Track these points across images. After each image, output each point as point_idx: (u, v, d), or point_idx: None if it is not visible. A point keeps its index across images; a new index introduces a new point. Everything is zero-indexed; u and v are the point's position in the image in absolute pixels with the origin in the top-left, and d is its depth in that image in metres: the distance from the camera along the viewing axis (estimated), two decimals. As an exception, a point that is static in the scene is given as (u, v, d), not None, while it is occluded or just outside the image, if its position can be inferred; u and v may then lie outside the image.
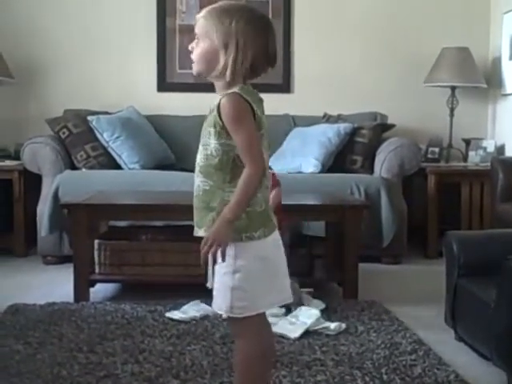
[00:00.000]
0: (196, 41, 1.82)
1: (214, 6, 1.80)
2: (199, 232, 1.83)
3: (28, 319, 3.09)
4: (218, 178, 1.78)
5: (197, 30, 1.81)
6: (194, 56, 1.82)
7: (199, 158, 1.82)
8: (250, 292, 1.79)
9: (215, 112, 1.75)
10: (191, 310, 3.20)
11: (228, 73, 1.76)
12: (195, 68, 1.83)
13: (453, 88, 5.06)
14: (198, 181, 1.83)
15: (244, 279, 1.78)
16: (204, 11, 1.81)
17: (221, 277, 1.79)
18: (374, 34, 5.28)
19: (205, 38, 1.78)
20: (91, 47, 5.22)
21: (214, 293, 1.83)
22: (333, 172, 4.56)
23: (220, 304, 1.81)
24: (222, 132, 1.75)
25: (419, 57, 5.20)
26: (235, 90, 1.75)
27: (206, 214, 1.80)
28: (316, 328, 2.95)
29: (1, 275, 4.08)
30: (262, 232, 1.80)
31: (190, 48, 1.83)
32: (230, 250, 1.76)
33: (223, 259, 1.74)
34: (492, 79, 5.20)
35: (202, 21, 1.80)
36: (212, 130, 1.77)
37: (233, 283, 1.78)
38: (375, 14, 5.29)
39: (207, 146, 1.79)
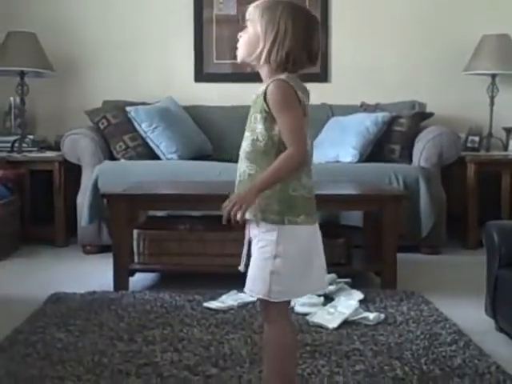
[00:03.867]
0: (245, 30, 1.88)
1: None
2: (248, 218, 1.83)
3: (69, 308, 3.14)
4: (263, 162, 1.80)
5: (246, 18, 1.87)
6: (239, 42, 1.88)
7: (245, 144, 1.85)
8: (289, 277, 1.81)
9: (261, 98, 1.78)
10: (229, 299, 3.22)
11: (263, 58, 1.81)
12: (238, 54, 1.89)
13: (493, 76, 4.99)
14: (243, 166, 1.85)
15: (284, 264, 1.79)
16: (256, 1, 1.87)
17: (261, 261, 1.80)
18: (412, 22, 5.22)
19: (251, 25, 1.85)
20: (129, 38, 5.26)
21: (251, 276, 1.84)
22: (371, 161, 4.53)
23: (259, 288, 1.82)
24: (268, 117, 1.79)
25: (458, 44, 5.13)
26: (281, 76, 1.79)
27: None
28: (354, 318, 2.93)
29: (42, 265, 4.15)
30: (304, 218, 1.81)
31: (238, 36, 1.89)
32: (272, 235, 1.78)
33: (241, 220, 1.75)
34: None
35: (251, 9, 1.87)
36: (258, 115, 1.80)
37: (273, 267, 1.79)
38: (414, 1, 5.24)
39: (253, 132, 1.82)
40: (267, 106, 1.77)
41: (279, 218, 1.79)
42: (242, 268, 1.91)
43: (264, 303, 1.85)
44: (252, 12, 1.85)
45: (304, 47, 1.82)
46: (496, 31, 4.93)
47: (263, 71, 1.86)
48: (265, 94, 1.78)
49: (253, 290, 1.85)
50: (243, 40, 1.87)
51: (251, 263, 1.84)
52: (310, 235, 1.85)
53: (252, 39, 1.83)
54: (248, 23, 1.86)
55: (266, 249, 1.79)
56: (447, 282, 3.75)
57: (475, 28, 5.05)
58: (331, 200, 3.41)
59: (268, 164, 1.78)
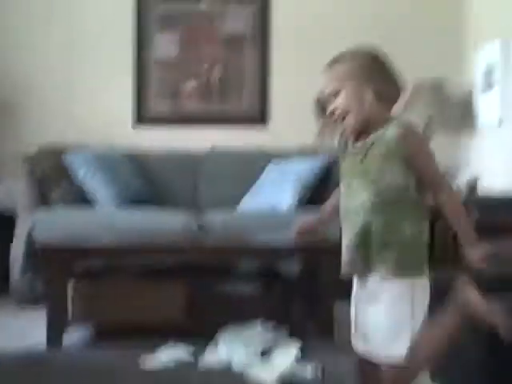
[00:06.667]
0: (334, 97, 1.89)
1: (335, 56, 1.94)
2: (373, 272, 1.80)
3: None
4: (396, 211, 1.79)
5: (332, 85, 1.90)
6: (343, 106, 1.87)
7: (365, 196, 1.81)
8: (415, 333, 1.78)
9: (393, 144, 1.77)
10: (167, 354, 3.17)
11: (374, 103, 1.84)
12: (350, 120, 1.87)
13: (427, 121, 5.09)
14: (364, 219, 1.81)
15: (419, 322, 1.77)
16: (330, 63, 1.94)
17: (397, 320, 1.76)
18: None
19: (341, 85, 1.87)
20: (66, 79, 5.20)
21: (383, 338, 1.78)
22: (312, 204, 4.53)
23: (398, 351, 1.76)
24: (404, 163, 1.78)
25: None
26: (399, 121, 1.84)
27: (384, 251, 1.79)
28: (292, 371, 2.92)
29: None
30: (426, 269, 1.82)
31: (332, 109, 1.89)
32: (410, 290, 1.76)
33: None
34: (465, 111, 5.16)
35: (330, 74, 1.91)
36: (387, 163, 1.78)
37: (412, 326, 1.76)
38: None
39: (379, 182, 1.79)
40: (404, 151, 1.76)
41: (417, 271, 1.76)
42: (356, 335, 1.88)
43: (394, 373, 1.79)
44: (334, 75, 1.90)
45: (395, 82, 1.89)
46: (430, 74, 5.03)
47: (373, 118, 1.85)
48: (395, 138, 1.78)
49: (389, 355, 1.78)
50: (345, 105, 1.86)
51: (380, 324, 1.79)
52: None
53: (355, 95, 1.85)
54: (337, 85, 1.87)
55: (402, 306, 1.74)
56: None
57: (410, 71, 5.12)
58: (265, 249, 3.41)
59: (400, 212, 1.77)
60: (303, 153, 4.94)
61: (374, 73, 1.86)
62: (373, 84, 1.84)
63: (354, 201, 1.85)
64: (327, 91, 1.90)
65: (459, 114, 5.12)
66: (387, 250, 1.77)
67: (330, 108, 1.89)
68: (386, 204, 1.79)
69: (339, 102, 1.87)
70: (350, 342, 3.36)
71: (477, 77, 5.01)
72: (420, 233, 1.79)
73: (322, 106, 1.94)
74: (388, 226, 1.78)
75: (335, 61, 1.93)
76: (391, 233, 1.78)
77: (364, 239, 1.80)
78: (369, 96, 1.83)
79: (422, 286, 1.78)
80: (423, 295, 1.79)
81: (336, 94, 1.88)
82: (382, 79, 1.86)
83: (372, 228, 1.80)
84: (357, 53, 1.92)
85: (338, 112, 1.87)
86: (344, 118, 1.87)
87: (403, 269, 1.76)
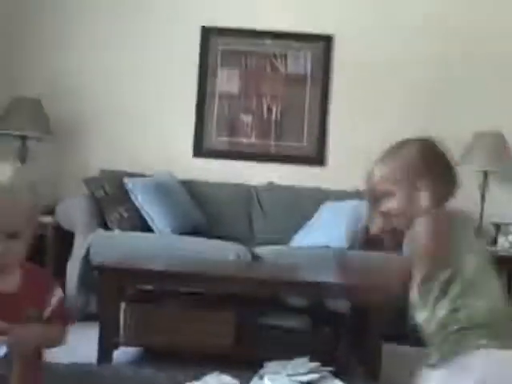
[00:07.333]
0: (387, 196, 1.86)
1: (390, 148, 1.94)
2: None
3: (50, 379, 3.11)
4: None
5: (385, 185, 1.87)
6: (397, 209, 1.85)
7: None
8: None
9: None
10: (212, 382, 3.20)
11: (430, 206, 1.82)
12: (403, 220, 1.83)
13: (485, 172, 5.09)
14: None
15: None
16: (384, 156, 1.93)
17: None
18: (409, 111, 5.33)
19: (393, 186, 1.86)
20: (130, 108, 5.37)
21: None
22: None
23: None
24: None
25: (451, 139, 5.19)
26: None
27: None
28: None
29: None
30: None
31: (384, 210, 1.86)
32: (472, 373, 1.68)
33: None
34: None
35: (390, 166, 1.89)
36: None
37: None
38: (413, 92, 5.36)
39: None
40: None
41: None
42: None
43: None
44: (386, 173, 1.87)
45: (449, 176, 1.89)
46: (488, 128, 5.05)
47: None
48: None
49: None
50: (399, 208, 1.83)
51: None
52: None
53: (408, 198, 1.84)
54: (389, 185, 1.86)
55: None
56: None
57: (468, 124, 5.16)
58: (315, 287, 3.44)
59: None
60: (359, 196, 4.97)
61: (430, 171, 1.85)
62: (429, 184, 1.83)
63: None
64: (379, 189, 1.88)
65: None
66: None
67: (383, 208, 1.86)
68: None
69: (392, 205, 1.85)
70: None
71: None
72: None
73: (374, 196, 1.91)
74: None
75: (390, 154, 1.92)
76: None
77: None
78: (424, 198, 1.83)
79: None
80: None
81: (389, 194, 1.86)
82: (438, 177, 1.85)
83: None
84: (411, 148, 1.89)
85: (392, 213, 1.85)
86: (397, 217, 1.85)
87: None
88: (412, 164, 1.86)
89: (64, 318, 1.91)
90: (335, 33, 5.42)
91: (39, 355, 1.93)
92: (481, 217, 5.12)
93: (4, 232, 1.68)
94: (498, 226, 5.13)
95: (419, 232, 1.74)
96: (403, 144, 1.93)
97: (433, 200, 1.83)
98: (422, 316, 1.81)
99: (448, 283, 1.74)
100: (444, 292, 1.74)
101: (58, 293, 1.89)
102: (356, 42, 5.38)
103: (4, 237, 1.68)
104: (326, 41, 5.41)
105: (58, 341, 1.94)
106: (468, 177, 5.20)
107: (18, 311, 1.76)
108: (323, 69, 5.42)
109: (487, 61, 5.32)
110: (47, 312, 1.86)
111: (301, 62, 5.43)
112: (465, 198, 5.46)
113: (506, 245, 4.93)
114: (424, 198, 1.83)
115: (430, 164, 1.87)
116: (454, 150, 5.33)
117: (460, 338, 1.69)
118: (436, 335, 1.75)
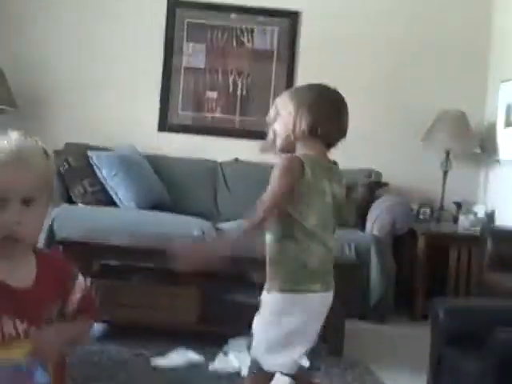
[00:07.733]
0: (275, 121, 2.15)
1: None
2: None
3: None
4: None
5: (273, 110, 2.15)
6: (279, 131, 2.12)
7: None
8: None
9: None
10: (178, 355, 3.22)
11: (305, 138, 2.07)
12: (278, 143, 2.13)
13: (447, 152, 5.15)
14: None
15: None
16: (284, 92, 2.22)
17: None
18: (373, 91, 5.36)
19: (281, 111, 2.11)
20: (96, 82, 5.27)
21: None
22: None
23: None
24: None
25: (418, 117, 5.26)
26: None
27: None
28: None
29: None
30: None
31: (273, 129, 2.15)
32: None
33: None
34: (486, 145, 5.28)
35: (281, 97, 2.15)
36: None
37: None
38: (381, 68, 5.39)
39: None
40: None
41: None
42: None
43: None
44: (277, 102, 2.13)
45: (334, 124, 2.08)
46: (453, 107, 5.10)
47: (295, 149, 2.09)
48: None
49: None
50: (279, 130, 2.11)
51: None
52: None
53: (286, 121, 2.07)
54: (274, 115, 2.12)
55: None
56: (392, 354, 3.81)
57: (434, 102, 5.22)
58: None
59: None
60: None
61: (315, 108, 2.05)
62: (310, 118, 2.04)
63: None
64: (272, 113, 2.15)
65: (479, 148, 5.20)
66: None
67: (272, 128, 2.14)
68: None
69: (277, 126, 2.11)
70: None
71: (499, 113, 5.08)
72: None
73: (270, 120, 2.20)
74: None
75: (287, 90, 2.21)
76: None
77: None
78: (300, 124, 2.05)
79: None
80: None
81: (275, 119, 2.13)
82: (322, 116, 2.06)
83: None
84: (307, 87, 2.14)
85: (277, 133, 2.12)
86: (275, 141, 2.13)
87: None
88: (296, 93, 2.12)
89: (90, 311, 1.62)
90: (302, 9, 5.40)
91: (64, 361, 1.60)
92: (442, 196, 5.19)
93: (18, 198, 1.43)
94: (459, 205, 5.21)
95: (272, 176, 2.03)
96: (304, 85, 2.21)
97: (309, 128, 2.04)
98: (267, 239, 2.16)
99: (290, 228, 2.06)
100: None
101: (80, 282, 1.61)
102: (323, 19, 5.37)
103: (18, 204, 1.43)
104: (294, 17, 5.39)
105: (85, 339, 1.67)
106: (430, 156, 5.27)
107: (36, 310, 1.47)
108: (290, 45, 5.41)
109: (454, 40, 5.37)
110: (73, 304, 1.57)
111: (267, 37, 5.40)
112: (427, 177, 5.59)
113: (467, 224, 5.01)
114: (299, 124, 2.04)
115: (313, 97, 2.07)
116: (420, 126, 5.42)
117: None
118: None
